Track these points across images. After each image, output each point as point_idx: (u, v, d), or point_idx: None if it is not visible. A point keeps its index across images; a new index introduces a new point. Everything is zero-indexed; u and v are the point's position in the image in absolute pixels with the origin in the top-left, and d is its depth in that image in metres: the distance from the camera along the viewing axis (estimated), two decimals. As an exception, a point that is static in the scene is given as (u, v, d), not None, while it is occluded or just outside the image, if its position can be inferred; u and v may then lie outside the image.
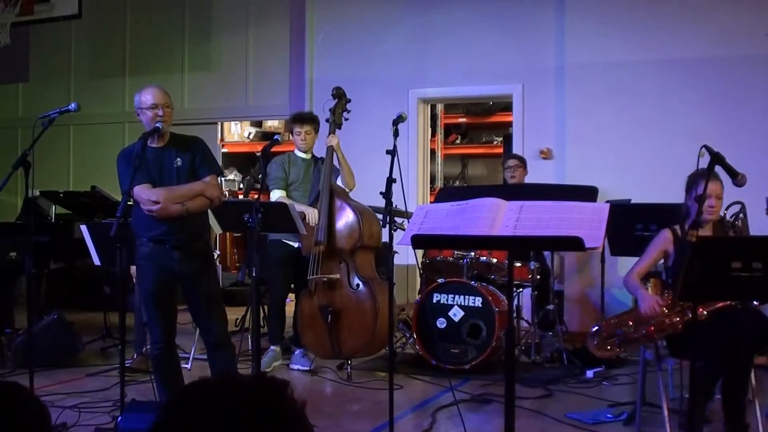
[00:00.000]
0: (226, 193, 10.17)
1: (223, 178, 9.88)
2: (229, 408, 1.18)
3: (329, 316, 5.43)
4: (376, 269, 5.88)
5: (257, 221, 4.22)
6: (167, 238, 4.03)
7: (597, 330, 3.98)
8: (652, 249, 4.06)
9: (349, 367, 5.52)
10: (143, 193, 3.96)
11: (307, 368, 5.65)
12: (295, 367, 5.74)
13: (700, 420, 3.65)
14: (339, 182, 5.71)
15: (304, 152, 5.87)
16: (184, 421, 1.19)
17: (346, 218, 5.51)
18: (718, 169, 3.47)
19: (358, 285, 5.48)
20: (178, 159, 4.04)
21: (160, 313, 4.12)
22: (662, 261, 4.19)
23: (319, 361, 5.72)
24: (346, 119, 5.77)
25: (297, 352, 5.82)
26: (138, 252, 4.12)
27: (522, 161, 6.81)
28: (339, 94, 5.74)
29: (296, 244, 5.73)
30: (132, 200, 4.00)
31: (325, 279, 5.47)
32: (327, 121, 5.77)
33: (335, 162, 5.66)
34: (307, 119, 5.89)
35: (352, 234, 5.49)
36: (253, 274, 4.36)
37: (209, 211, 4.29)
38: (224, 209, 4.59)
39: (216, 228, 5.04)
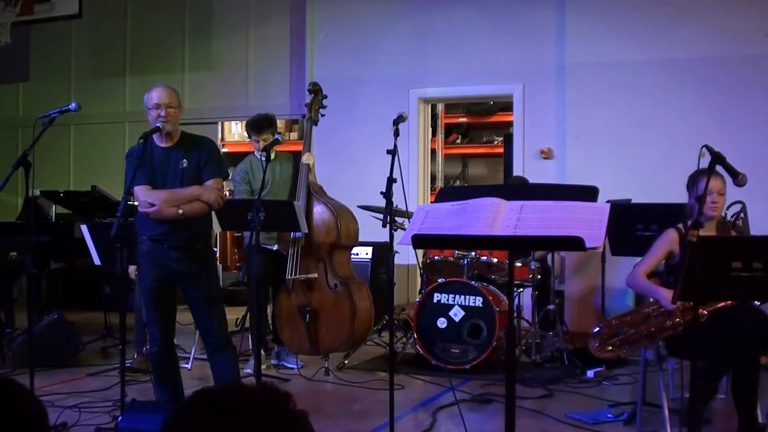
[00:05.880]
0: (227, 192, 10.12)
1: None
2: (235, 421, 1.18)
3: (308, 315, 5.45)
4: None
5: (258, 220, 4.21)
6: (166, 238, 4.02)
7: (598, 331, 3.95)
8: (657, 249, 3.99)
9: (328, 363, 5.56)
10: (141, 194, 3.97)
11: (295, 367, 5.67)
12: (284, 364, 5.76)
13: (700, 420, 3.64)
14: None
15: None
16: None
17: (323, 217, 5.53)
18: (719, 168, 3.46)
19: (335, 285, 5.49)
20: (184, 160, 4.02)
21: (158, 311, 4.10)
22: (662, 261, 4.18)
23: (316, 360, 5.72)
24: (323, 115, 5.77)
25: (279, 349, 5.83)
26: (138, 250, 4.12)
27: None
28: (315, 90, 5.74)
29: (275, 247, 5.71)
30: (132, 199, 4.00)
31: (303, 279, 5.49)
32: (303, 117, 5.73)
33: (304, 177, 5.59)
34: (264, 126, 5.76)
35: (330, 233, 5.50)
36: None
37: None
38: (224, 208, 4.57)
39: (216, 227, 5.04)
